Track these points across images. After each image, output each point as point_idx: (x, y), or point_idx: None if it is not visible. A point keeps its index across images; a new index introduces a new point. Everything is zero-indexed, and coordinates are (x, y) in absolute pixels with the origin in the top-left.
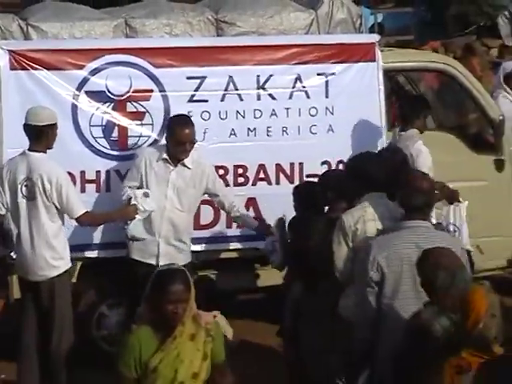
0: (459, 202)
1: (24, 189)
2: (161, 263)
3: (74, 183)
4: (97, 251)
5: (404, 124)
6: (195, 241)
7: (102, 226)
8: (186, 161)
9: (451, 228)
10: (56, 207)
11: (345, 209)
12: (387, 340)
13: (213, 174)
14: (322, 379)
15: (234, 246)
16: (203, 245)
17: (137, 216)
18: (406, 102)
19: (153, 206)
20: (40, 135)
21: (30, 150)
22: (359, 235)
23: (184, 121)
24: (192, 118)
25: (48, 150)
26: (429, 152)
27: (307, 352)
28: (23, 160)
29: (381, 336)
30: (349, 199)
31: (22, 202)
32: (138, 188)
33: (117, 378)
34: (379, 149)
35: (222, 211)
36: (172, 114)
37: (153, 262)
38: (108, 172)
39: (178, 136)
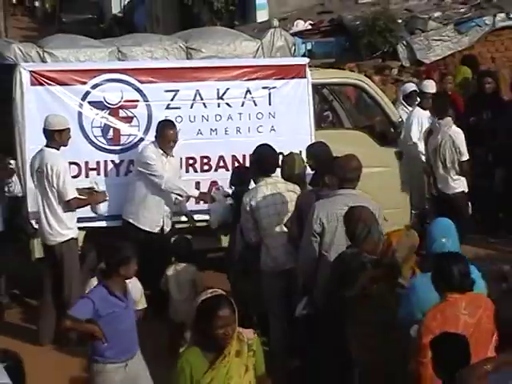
0: None
1: (38, 175)
2: (166, 231)
3: (80, 171)
4: (97, 222)
5: (440, 114)
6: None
7: (100, 204)
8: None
9: None
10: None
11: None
12: (323, 274)
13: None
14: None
15: (198, 217)
16: (177, 216)
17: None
18: (439, 98)
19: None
20: (51, 137)
21: (46, 146)
22: (255, 209)
23: (172, 124)
24: None
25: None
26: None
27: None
28: (39, 154)
29: (319, 271)
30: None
31: (38, 185)
32: None
33: None
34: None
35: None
36: (153, 118)
37: (159, 230)
38: (105, 162)
39: (169, 136)
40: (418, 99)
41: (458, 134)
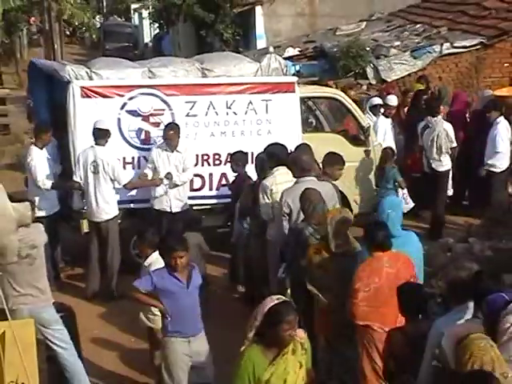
0: None
1: (92, 167)
2: (173, 210)
3: (120, 164)
4: (131, 204)
5: (432, 113)
6: (189, 199)
7: (133, 190)
8: (179, 148)
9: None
10: (111, 178)
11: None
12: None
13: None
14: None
15: (212, 201)
16: (196, 200)
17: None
18: (431, 101)
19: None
20: (103, 136)
21: (96, 144)
22: (274, 193)
23: (171, 126)
24: (187, 127)
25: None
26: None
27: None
28: (92, 150)
29: (289, 242)
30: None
31: (91, 175)
32: (155, 168)
33: None
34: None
35: (207, 181)
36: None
37: (168, 209)
38: (139, 157)
39: (166, 136)
40: (382, 110)
41: (449, 127)
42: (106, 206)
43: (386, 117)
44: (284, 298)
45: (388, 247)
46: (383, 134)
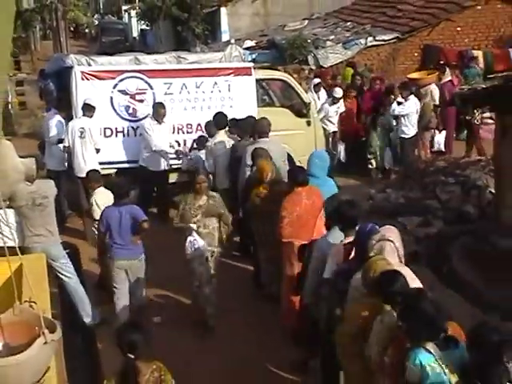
0: None
1: (79, 133)
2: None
3: (111, 133)
4: (123, 164)
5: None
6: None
7: (126, 151)
8: (164, 119)
9: None
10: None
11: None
12: None
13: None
14: None
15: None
16: (172, 160)
17: None
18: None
19: None
20: (92, 109)
21: (83, 115)
22: (213, 151)
23: (163, 105)
24: (165, 103)
25: (100, 118)
26: None
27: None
28: (79, 120)
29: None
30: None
31: (78, 139)
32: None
33: None
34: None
35: (182, 145)
36: (156, 100)
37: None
38: (128, 127)
39: (161, 112)
40: (323, 90)
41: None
42: (93, 164)
43: (333, 103)
44: None
45: (306, 184)
46: (325, 112)
